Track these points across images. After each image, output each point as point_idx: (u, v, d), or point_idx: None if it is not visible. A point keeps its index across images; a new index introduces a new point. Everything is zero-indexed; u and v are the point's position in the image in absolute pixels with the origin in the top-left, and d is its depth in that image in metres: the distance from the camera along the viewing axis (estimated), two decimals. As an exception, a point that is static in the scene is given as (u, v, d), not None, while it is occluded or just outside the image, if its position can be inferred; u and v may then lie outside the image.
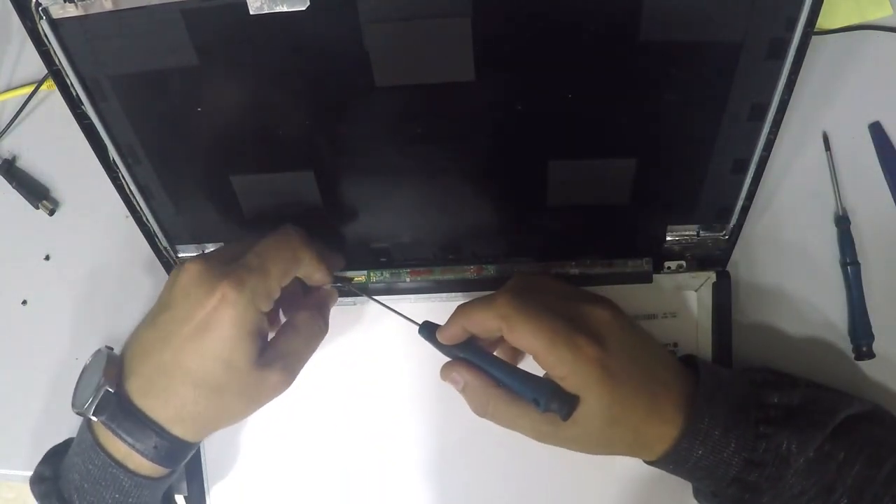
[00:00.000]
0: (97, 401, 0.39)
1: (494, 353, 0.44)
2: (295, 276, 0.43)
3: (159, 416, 0.40)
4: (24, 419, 0.54)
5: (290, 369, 0.43)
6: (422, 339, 0.48)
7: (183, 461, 0.43)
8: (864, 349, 0.49)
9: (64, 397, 0.53)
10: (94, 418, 0.40)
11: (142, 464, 0.41)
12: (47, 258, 0.55)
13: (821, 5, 0.36)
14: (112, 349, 0.42)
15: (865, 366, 0.49)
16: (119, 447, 0.40)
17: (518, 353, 0.47)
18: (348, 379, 0.50)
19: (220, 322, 0.39)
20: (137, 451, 0.40)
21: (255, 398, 0.42)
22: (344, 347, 0.50)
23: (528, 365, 0.43)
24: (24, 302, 0.55)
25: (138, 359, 0.40)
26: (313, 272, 0.44)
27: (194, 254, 0.49)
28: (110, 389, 0.40)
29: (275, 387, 0.42)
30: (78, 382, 0.42)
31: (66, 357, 0.54)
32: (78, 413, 0.40)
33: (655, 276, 0.48)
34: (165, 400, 0.40)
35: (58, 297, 0.54)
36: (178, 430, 0.41)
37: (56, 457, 0.44)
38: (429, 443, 0.50)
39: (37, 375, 0.54)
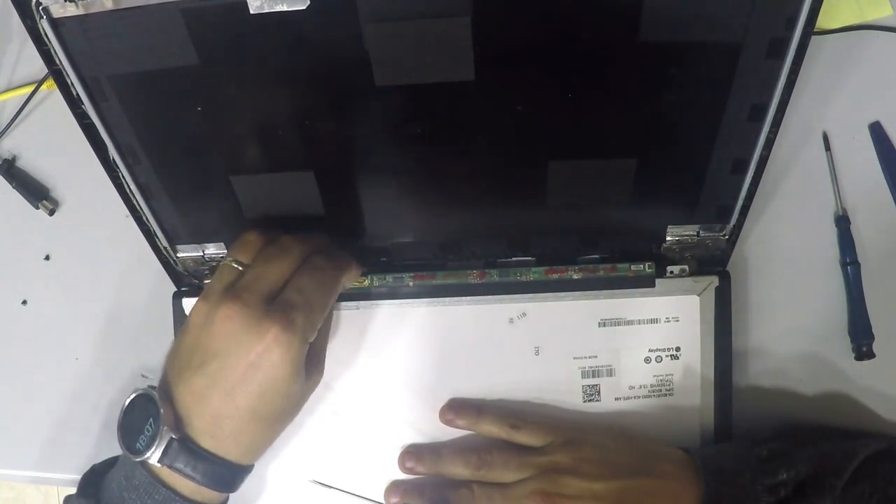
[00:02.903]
0: (161, 448, 0.40)
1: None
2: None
3: (231, 455, 0.42)
4: (24, 419, 0.54)
5: (322, 364, 0.46)
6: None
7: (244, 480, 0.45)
8: (864, 349, 0.49)
9: (64, 398, 0.54)
10: (158, 464, 0.40)
11: (208, 494, 0.42)
12: (47, 258, 0.55)
13: (821, 5, 0.36)
14: (155, 388, 0.42)
15: (865, 366, 0.49)
16: (186, 484, 0.41)
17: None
18: (351, 384, 0.50)
19: (274, 363, 0.40)
20: (207, 486, 0.41)
21: (304, 402, 0.45)
22: (347, 352, 0.50)
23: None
24: (24, 302, 0.55)
25: (195, 405, 0.41)
26: (350, 282, 0.47)
27: (195, 254, 0.49)
28: (174, 437, 0.40)
29: (316, 384, 0.45)
30: (123, 424, 0.42)
31: (66, 357, 0.54)
32: (136, 459, 0.40)
33: (658, 281, 0.48)
34: (236, 440, 0.41)
35: (58, 297, 0.54)
36: (246, 461, 0.43)
37: (92, 487, 0.44)
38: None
39: (37, 375, 0.54)
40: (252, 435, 0.42)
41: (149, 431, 0.40)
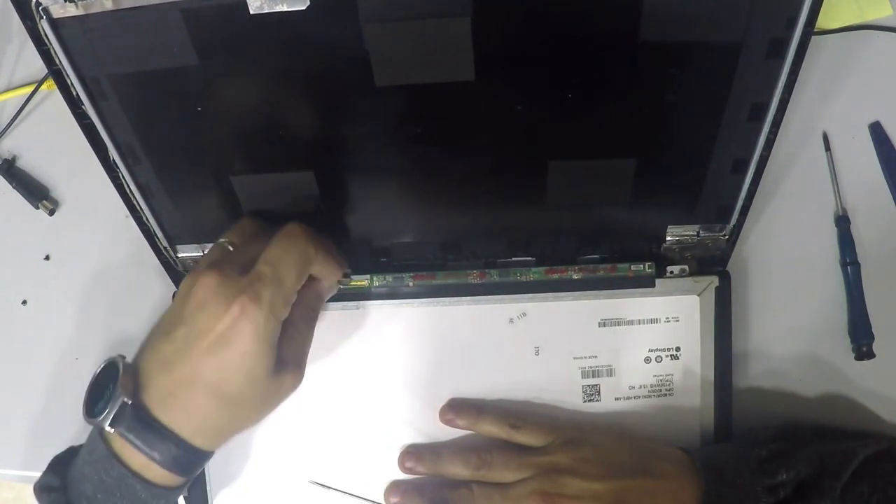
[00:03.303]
0: (114, 412, 0.39)
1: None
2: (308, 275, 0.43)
3: (180, 429, 0.40)
4: (24, 419, 0.54)
5: (300, 366, 0.44)
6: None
7: (200, 469, 0.43)
8: (864, 349, 0.49)
9: (64, 398, 0.54)
10: (110, 429, 0.39)
11: (160, 474, 0.41)
12: (47, 258, 0.55)
13: (821, 5, 0.36)
14: (124, 357, 0.41)
15: (865, 366, 0.49)
16: (137, 458, 0.40)
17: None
18: (351, 384, 0.50)
19: (240, 336, 0.39)
20: (157, 462, 0.40)
21: (274, 402, 0.43)
22: (347, 352, 0.50)
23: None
24: (24, 302, 0.55)
25: (156, 371, 0.40)
26: (325, 270, 0.44)
27: (195, 254, 0.49)
28: (128, 401, 0.39)
29: (291, 387, 0.43)
30: (89, 390, 0.41)
31: (66, 357, 0.54)
32: (91, 423, 0.40)
33: (658, 281, 0.48)
34: (187, 413, 0.40)
35: (58, 297, 0.54)
36: (198, 442, 0.41)
37: (61, 465, 0.44)
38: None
39: (37, 375, 0.54)
40: (205, 411, 0.40)
41: (106, 395, 0.40)
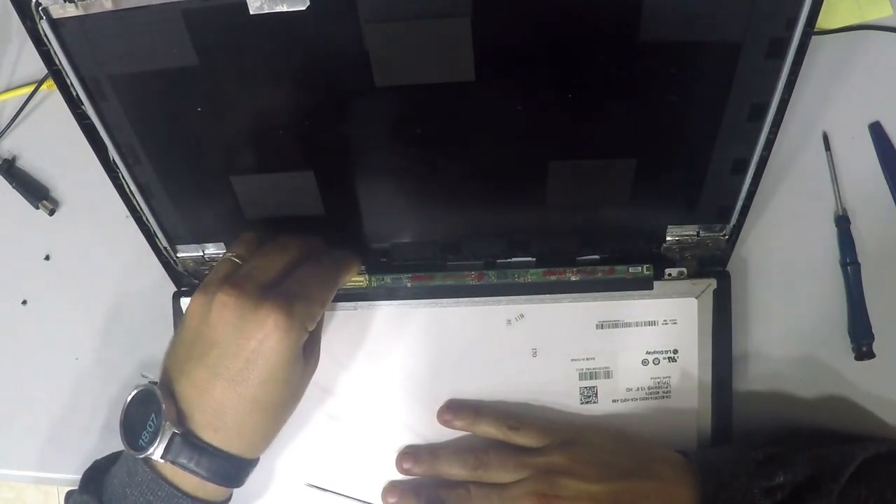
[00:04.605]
0: (164, 444, 0.39)
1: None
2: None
3: (233, 448, 0.41)
4: (24, 419, 0.54)
5: (318, 351, 0.46)
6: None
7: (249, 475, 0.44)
8: (864, 349, 0.49)
9: (64, 398, 0.54)
10: (161, 460, 0.40)
11: (213, 490, 0.42)
12: (47, 258, 0.55)
13: (821, 5, 0.36)
14: (156, 383, 0.42)
15: (865, 366, 0.49)
16: (189, 480, 0.41)
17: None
18: (348, 385, 0.50)
19: (274, 350, 0.40)
20: (211, 481, 0.41)
21: (305, 389, 0.45)
22: (344, 353, 0.50)
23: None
24: (24, 302, 0.55)
25: (196, 398, 0.41)
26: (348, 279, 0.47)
27: (195, 254, 0.49)
28: (177, 432, 0.40)
29: (312, 373, 0.45)
30: (125, 420, 0.41)
31: (66, 357, 0.54)
32: (138, 455, 0.40)
33: (656, 283, 0.48)
34: (238, 432, 0.41)
35: (58, 297, 0.54)
36: (250, 454, 0.43)
37: (94, 483, 0.44)
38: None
39: (37, 375, 0.54)
40: (254, 426, 0.41)
41: (151, 427, 0.40)
